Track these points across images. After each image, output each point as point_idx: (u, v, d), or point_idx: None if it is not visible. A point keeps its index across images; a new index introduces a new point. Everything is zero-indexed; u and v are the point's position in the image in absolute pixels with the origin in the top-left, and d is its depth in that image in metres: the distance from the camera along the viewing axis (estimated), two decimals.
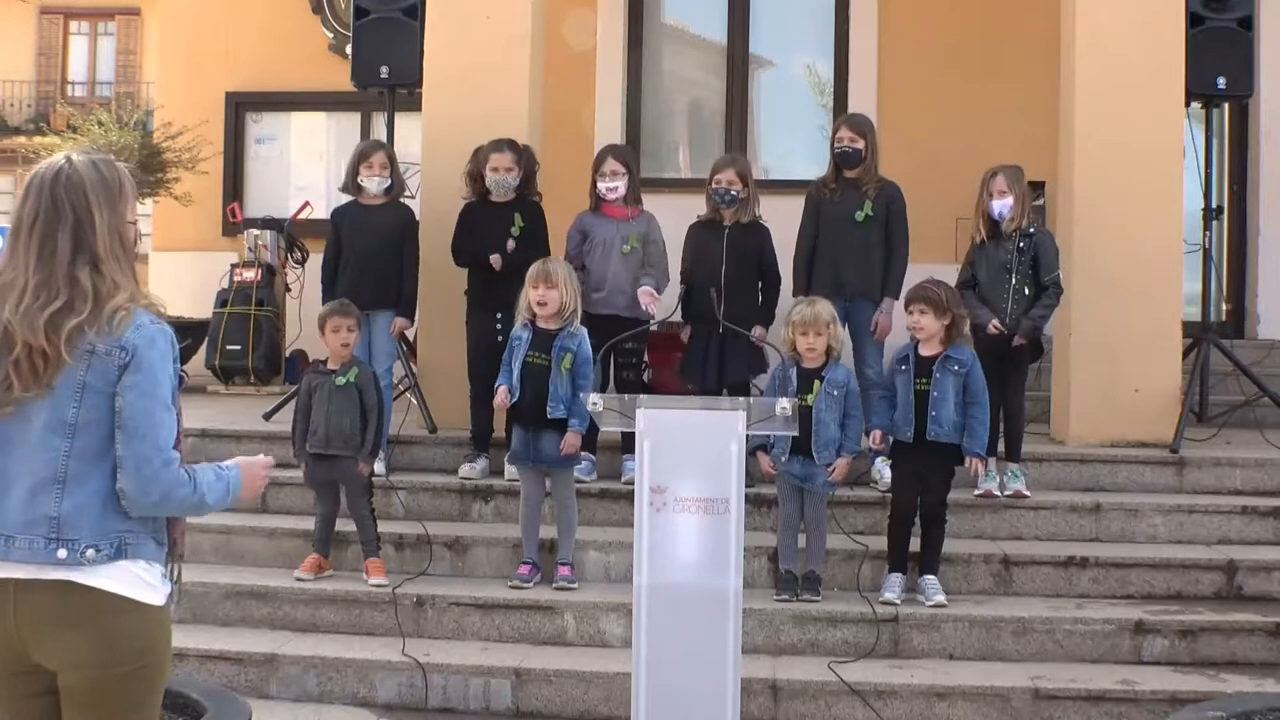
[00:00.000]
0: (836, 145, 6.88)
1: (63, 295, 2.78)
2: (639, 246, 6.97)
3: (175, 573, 2.98)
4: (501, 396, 6.08)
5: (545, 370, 6.00)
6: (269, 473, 3.12)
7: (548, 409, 5.96)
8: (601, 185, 6.97)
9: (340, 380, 6.14)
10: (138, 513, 2.82)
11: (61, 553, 2.76)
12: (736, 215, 6.76)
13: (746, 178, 6.80)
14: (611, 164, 7.00)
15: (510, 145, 6.94)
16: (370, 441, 6.16)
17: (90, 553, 2.77)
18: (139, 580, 2.82)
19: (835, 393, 5.90)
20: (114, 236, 2.86)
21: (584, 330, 6.12)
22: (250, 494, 3.07)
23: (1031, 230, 6.68)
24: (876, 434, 6.00)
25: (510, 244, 6.77)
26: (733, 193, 6.72)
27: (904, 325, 6.14)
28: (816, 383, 5.89)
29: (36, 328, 2.75)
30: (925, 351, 5.94)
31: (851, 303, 6.77)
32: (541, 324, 6.05)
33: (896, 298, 6.72)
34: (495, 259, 6.78)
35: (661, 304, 6.91)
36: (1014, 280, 6.62)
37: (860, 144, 6.79)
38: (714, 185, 6.77)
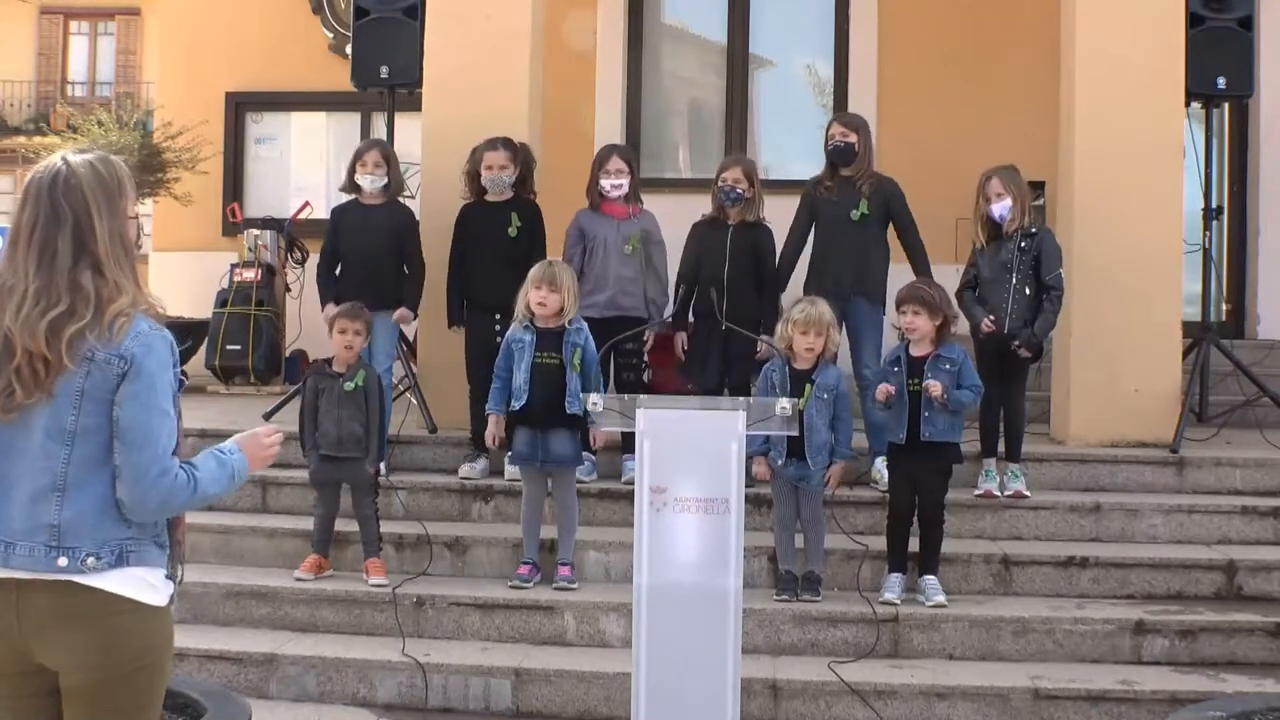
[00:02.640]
0: (829, 142, 6.88)
1: (64, 300, 2.76)
2: (641, 246, 6.98)
3: (178, 573, 2.98)
4: (494, 427, 6.09)
5: (556, 369, 5.99)
6: (275, 441, 3.05)
7: (566, 404, 5.95)
8: (605, 182, 6.97)
9: (349, 385, 6.15)
10: (138, 519, 2.81)
11: (62, 560, 2.75)
12: (741, 214, 6.76)
13: (752, 177, 6.81)
14: (616, 162, 7.01)
15: (504, 143, 6.94)
16: (375, 445, 6.17)
17: (90, 560, 2.76)
18: (140, 581, 2.82)
19: (825, 396, 5.90)
20: (115, 238, 2.84)
21: (586, 325, 6.13)
22: (259, 465, 3.04)
23: (1034, 230, 6.67)
24: (883, 388, 5.92)
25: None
26: (738, 191, 6.72)
27: (894, 327, 6.14)
28: (808, 386, 5.88)
29: (37, 334, 2.74)
30: (916, 352, 5.95)
31: (849, 302, 6.76)
32: (543, 324, 6.05)
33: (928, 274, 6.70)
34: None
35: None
36: (1015, 279, 6.60)
37: (853, 139, 6.79)
38: (720, 184, 6.78)
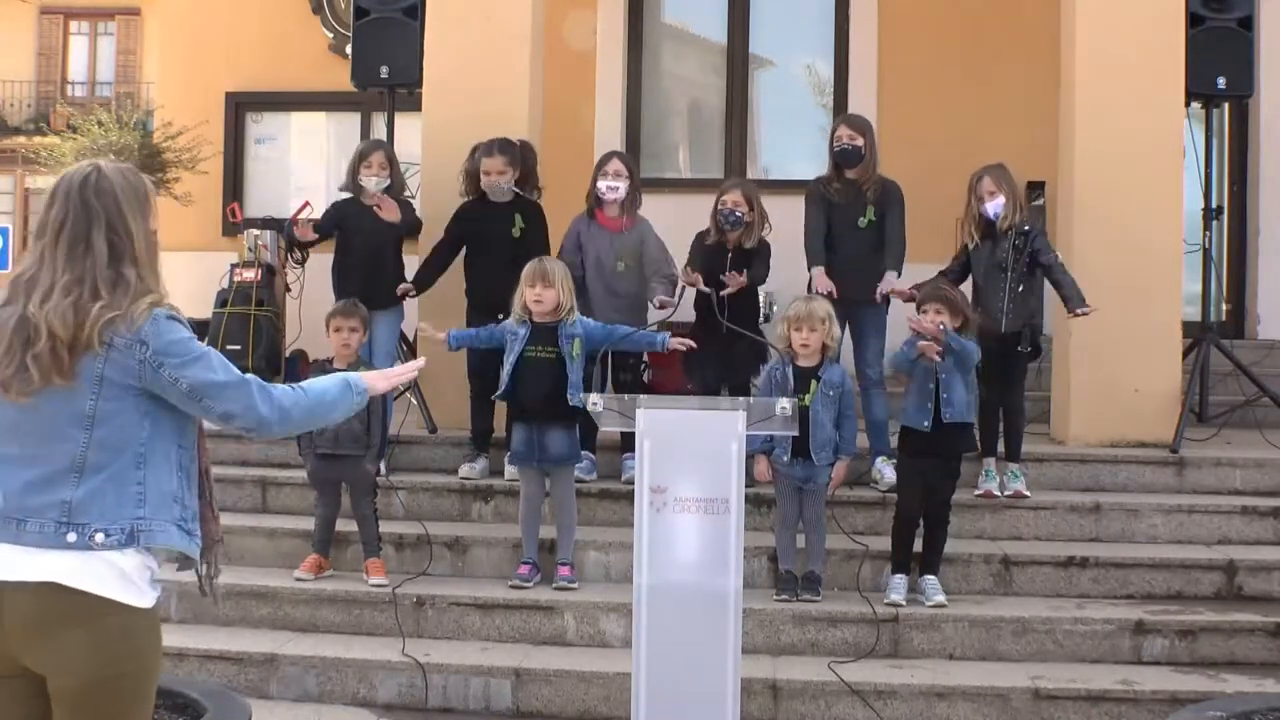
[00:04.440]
0: (836, 144, 6.86)
1: (104, 294, 2.82)
2: (634, 264, 6.96)
3: (214, 570, 3.03)
4: (432, 329, 6.16)
5: (550, 365, 5.98)
6: (408, 371, 3.35)
7: (567, 396, 5.92)
8: (602, 184, 6.94)
9: None
10: (281, 434, 3.07)
11: (70, 536, 2.76)
12: (740, 239, 6.71)
13: (753, 200, 6.73)
14: (616, 165, 6.98)
15: (502, 148, 6.90)
16: (376, 443, 6.17)
17: (99, 536, 2.77)
18: (126, 583, 2.81)
19: (831, 393, 5.91)
20: (146, 242, 2.93)
21: (582, 317, 6.12)
22: (386, 385, 3.31)
23: (1028, 228, 6.68)
24: (925, 344, 5.91)
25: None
26: (738, 214, 6.67)
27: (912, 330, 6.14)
28: (813, 383, 5.89)
29: (68, 321, 2.78)
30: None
31: (853, 306, 6.75)
32: (539, 319, 6.05)
33: (900, 272, 6.70)
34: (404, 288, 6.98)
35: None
36: (1010, 277, 6.61)
37: (860, 141, 6.78)
38: (720, 206, 6.71)
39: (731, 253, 6.71)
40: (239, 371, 2.93)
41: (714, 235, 6.77)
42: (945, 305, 5.91)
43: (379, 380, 3.25)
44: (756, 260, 6.72)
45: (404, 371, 3.36)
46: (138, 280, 2.86)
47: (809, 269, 6.80)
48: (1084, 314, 6.54)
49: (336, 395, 3.08)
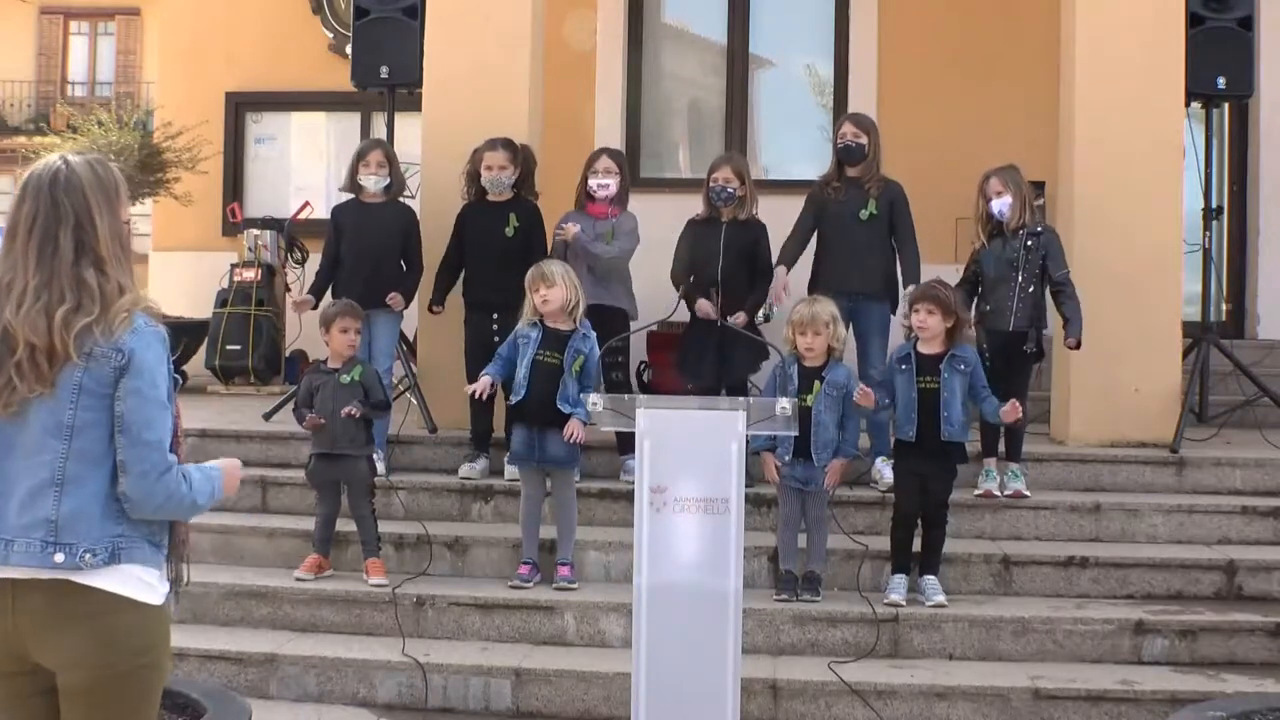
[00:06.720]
0: (840, 141, 6.88)
1: (70, 297, 2.78)
2: (614, 239, 6.97)
3: (182, 572, 3.00)
4: (483, 385, 6.06)
5: (555, 370, 5.99)
6: (241, 474, 3.12)
7: (558, 405, 5.94)
8: (593, 181, 6.96)
9: (345, 379, 6.15)
10: (139, 516, 2.83)
11: (59, 556, 2.76)
12: (734, 213, 6.76)
13: (743, 175, 6.80)
14: (606, 162, 7.00)
15: (505, 144, 6.95)
16: (375, 437, 6.17)
17: (87, 557, 2.77)
18: (137, 580, 2.82)
19: (834, 394, 5.90)
20: (114, 238, 2.87)
21: (594, 334, 6.12)
22: (231, 492, 3.06)
23: (1040, 229, 6.69)
24: (861, 391, 5.93)
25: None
26: (729, 190, 6.72)
27: (903, 325, 6.14)
28: (816, 383, 5.88)
29: (39, 329, 2.75)
30: (926, 350, 5.94)
31: (856, 303, 6.76)
32: (550, 323, 6.05)
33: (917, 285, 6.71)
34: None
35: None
36: (1021, 277, 6.62)
37: (864, 140, 6.80)
38: (711, 183, 6.78)
39: (726, 225, 6.73)
40: (170, 451, 2.83)
41: (706, 210, 6.81)
42: (937, 305, 5.90)
43: (230, 491, 3.05)
44: (751, 238, 6.74)
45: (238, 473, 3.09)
46: (102, 279, 2.81)
47: (774, 265, 6.82)
48: (1075, 347, 6.62)
49: (207, 501, 2.92)
